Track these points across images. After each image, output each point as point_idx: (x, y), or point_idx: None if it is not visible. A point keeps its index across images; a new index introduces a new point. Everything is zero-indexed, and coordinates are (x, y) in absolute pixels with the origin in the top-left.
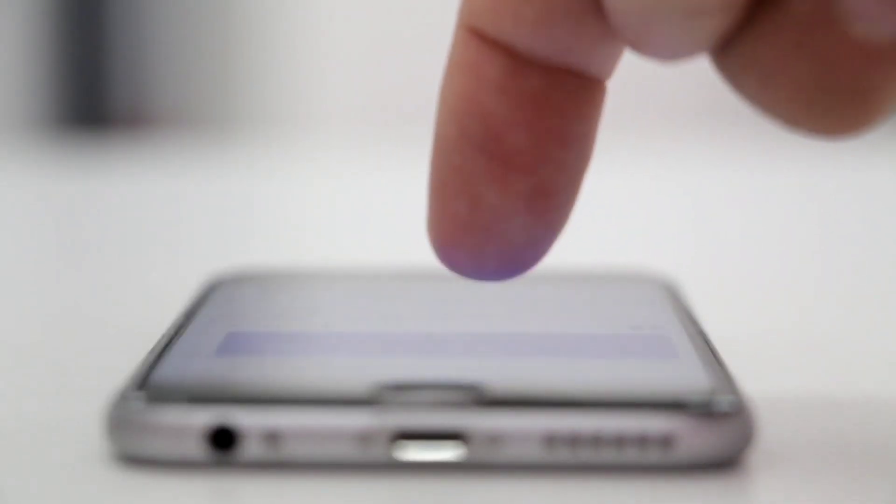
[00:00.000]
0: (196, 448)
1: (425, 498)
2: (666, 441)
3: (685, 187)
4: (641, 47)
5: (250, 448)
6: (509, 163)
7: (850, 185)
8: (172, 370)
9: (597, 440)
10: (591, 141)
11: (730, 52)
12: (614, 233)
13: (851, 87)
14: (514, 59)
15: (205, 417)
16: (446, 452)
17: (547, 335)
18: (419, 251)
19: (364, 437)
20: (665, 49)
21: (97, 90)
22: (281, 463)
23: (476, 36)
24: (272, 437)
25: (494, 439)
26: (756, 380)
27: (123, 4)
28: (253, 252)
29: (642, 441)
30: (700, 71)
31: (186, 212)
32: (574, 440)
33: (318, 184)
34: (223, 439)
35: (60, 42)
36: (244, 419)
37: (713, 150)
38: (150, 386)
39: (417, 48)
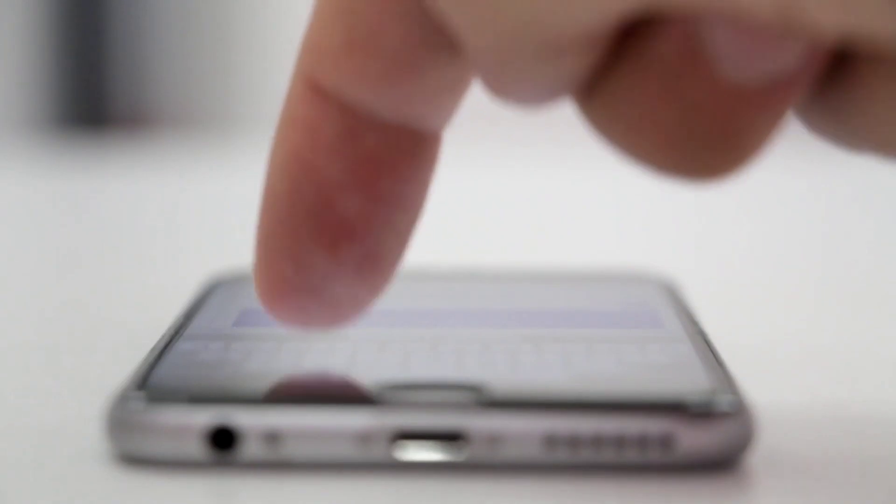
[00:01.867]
0: (196, 448)
1: (425, 498)
2: (666, 441)
3: (685, 187)
4: (501, 93)
5: (250, 448)
6: (339, 230)
7: (853, 186)
8: (172, 370)
9: (597, 440)
10: (424, 200)
11: (593, 97)
12: (614, 233)
13: (720, 132)
14: (352, 117)
15: (205, 417)
16: (446, 452)
17: (547, 335)
18: (419, 251)
19: (364, 437)
20: (524, 93)
21: (97, 90)
22: (281, 463)
23: (313, 90)
24: (272, 437)
25: (494, 439)
26: (756, 380)
27: (123, 4)
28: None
29: (642, 441)
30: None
31: (186, 212)
32: (574, 440)
33: None
34: (223, 439)
35: (60, 42)
36: (244, 419)
37: None
38: (150, 386)
39: None
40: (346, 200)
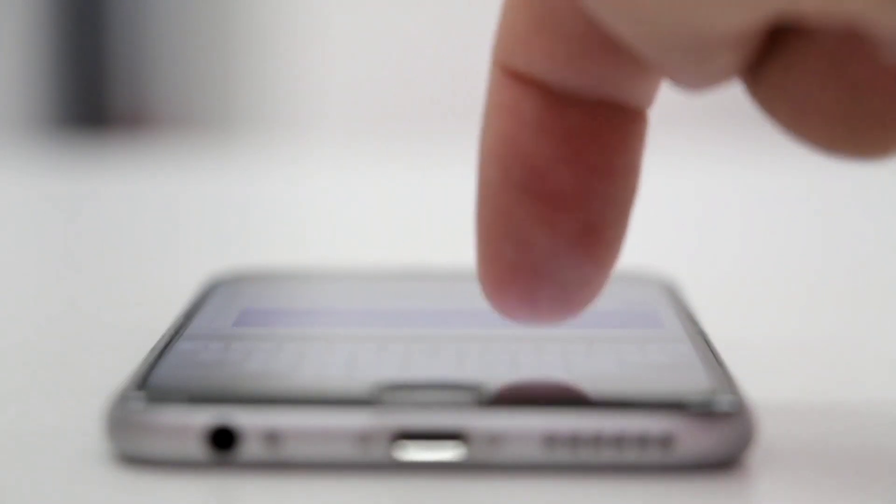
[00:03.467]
0: (196, 448)
1: (425, 498)
2: (666, 441)
3: (685, 187)
4: (671, 79)
5: (250, 448)
6: (555, 202)
7: (853, 186)
8: (172, 370)
9: (597, 440)
10: (637, 173)
11: (759, 80)
12: None
13: (882, 115)
14: (551, 96)
15: (205, 417)
16: (446, 452)
17: (547, 335)
18: (419, 251)
19: (364, 437)
20: (689, 81)
21: (97, 90)
22: (281, 463)
23: (510, 75)
24: (272, 437)
25: (494, 439)
26: (756, 380)
27: (123, 4)
28: (253, 252)
29: (642, 441)
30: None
31: (186, 212)
32: (574, 440)
33: (318, 184)
34: (223, 439)
35: (60, 42)
36: (244, 419)
37: (714, 150)
38: (150, 386)
39: (417, 48)
40: (558, 174)
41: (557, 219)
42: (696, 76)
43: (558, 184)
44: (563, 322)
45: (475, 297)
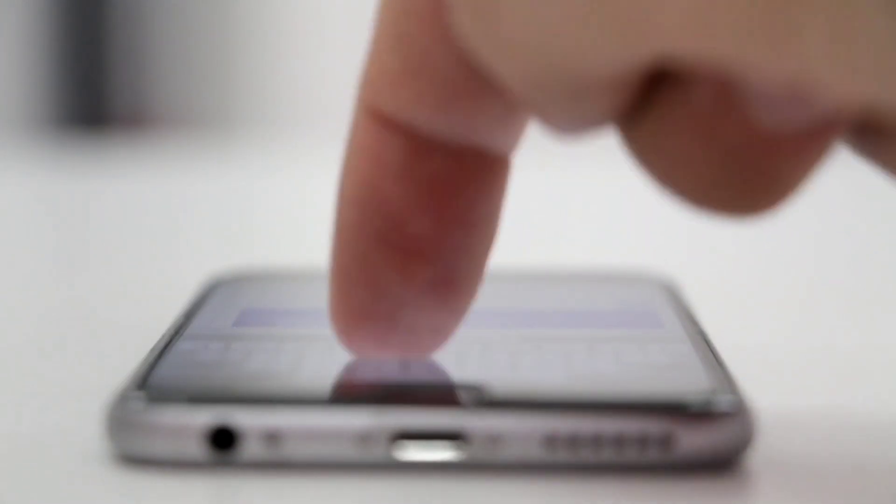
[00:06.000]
0: (196, 448)
1: (425, 498)
2: (666, 441)
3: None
4: (542, 123)
5: (250, 448)
6: (412, 252)
7: (853, 187)
8: (172, 370)
9: (597, 440)
10: (496, 223)
11: (633, 130)
12: (614, 233)
13: (758, 174)
14: (415, 141)
15: (205, 417)
16: (446, 452)
17: (547, 335)
18: None
19: (364, 437)
20: (562, 125)
21: (97, 90)
22: (281, 463)
23: (376, 118)
24: (272, 437)
25: (494, 439)
26: (756, 380)
27: (123, 5)
28: (253, 252)
29: (642, 441)
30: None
31: (186, 212)
32: (574, 440)
33: (318, 183)
34: (223, 439)
35: (60, 42)
36: (244, 419)
37: None
38: (150, 386)
39: None
40: (416, 223)
41: (413, 268)
42: (570, 119)
43: (416, 232)
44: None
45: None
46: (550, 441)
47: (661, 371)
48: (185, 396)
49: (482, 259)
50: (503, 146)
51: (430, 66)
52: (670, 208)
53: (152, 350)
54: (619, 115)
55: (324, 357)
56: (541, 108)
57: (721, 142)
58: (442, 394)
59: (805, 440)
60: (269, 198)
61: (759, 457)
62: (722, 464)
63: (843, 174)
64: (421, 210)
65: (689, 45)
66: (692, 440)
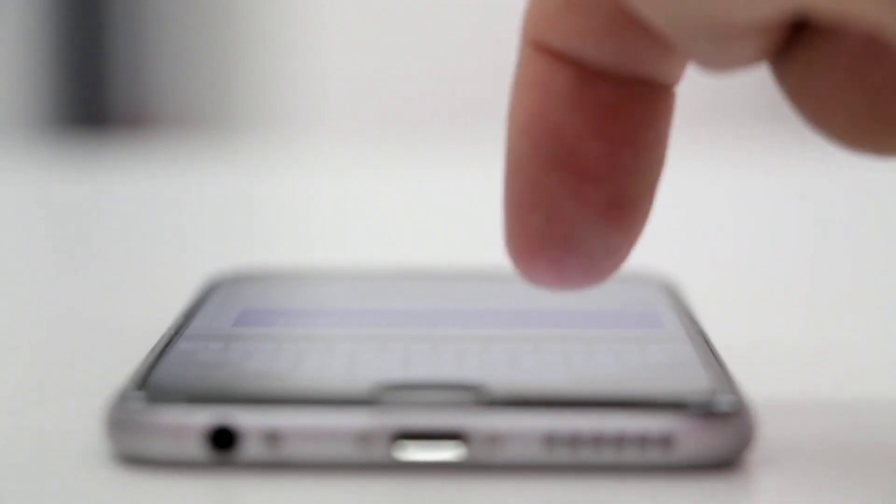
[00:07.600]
0: (196, 448)
1: (425, 498)
2: (666, 441)
3: (686, 187)
4: (695, 62)
5: (250, 448)
6: (584, 174)
7: (853, 186)
8: (172, 370)
9: (597, 440)
10: (664, 147)
11: (784, 69)
12: None
13: None
14: (582, 71)
15: (205, 417)
16: (446, 452)
17: (547, 335)
18: (419, 250)
19: (364, 437)
20: (715, 65)
21: (97, 90)
22: (281, 463)
23: (541, 51)
24: (272, 437)
25: (494, 439)
26: (756, 380)
27: (123, 5)
28: (253, 252)
29: (642, 441)
30: (700, 72)
31: (186, 212)
32: (574, 440)
33: (318, 184)
34: (223, 439)
35: (60, 42)
36: (244, 419)
37: (714, 151)
38: (150, 386)
39: (417, 48)
40: (588, 147)
41: (586, 191)
42: (721, 61)
43: (587, 157)
44: (588, 288)
45: (475, 297)
46: (550, 441)
47: (662, 371)
48: (184, 396)
49: (653, 182)
50: (666, 77)
51: (590, 2)
52: (670, 208)
53: (152, 350)
54: (770, 56)
55: (324, 357)
56: (691, 50)
57: (870, 82)
58: (442, 394)
59: (805, 439)
60: (269, 198)
61: (759, 456)
62: (722, 463)
63: (843, 174)
64: (592, 134)
65: (827, 6)
66: (692, 440)
